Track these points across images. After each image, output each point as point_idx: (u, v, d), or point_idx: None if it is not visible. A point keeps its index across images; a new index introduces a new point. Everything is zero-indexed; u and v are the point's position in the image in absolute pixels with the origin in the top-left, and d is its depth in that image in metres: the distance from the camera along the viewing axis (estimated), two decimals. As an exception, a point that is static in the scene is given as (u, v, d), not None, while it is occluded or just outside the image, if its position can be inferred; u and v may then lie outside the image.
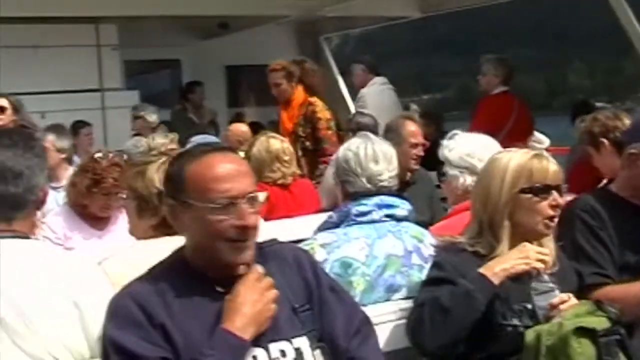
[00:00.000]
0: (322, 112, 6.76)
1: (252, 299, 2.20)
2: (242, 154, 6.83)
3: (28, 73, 8.71)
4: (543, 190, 2.72)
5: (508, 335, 2.62)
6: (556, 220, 2.76)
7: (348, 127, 6.68)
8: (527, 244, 2.69)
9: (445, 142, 3.60)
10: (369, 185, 3.12)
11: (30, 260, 2.42)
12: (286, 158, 5.33)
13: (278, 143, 5.41)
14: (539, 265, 2.65)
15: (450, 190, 3.57)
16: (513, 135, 7.00)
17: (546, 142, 8.97)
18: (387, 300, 3.02)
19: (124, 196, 3.00)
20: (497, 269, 2.64)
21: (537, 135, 8.86)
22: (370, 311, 2.86)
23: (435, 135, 8.67)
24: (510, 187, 2.73)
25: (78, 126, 8.42)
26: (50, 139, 5.66)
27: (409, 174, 5.02)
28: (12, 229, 2.43)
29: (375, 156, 3.15)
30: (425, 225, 3.37)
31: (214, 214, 2.18)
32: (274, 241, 2.45)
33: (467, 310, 2.60)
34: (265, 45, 11.63)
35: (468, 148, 3.49)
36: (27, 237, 2.48)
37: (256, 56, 11.82)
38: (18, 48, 8.85)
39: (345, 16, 11.07)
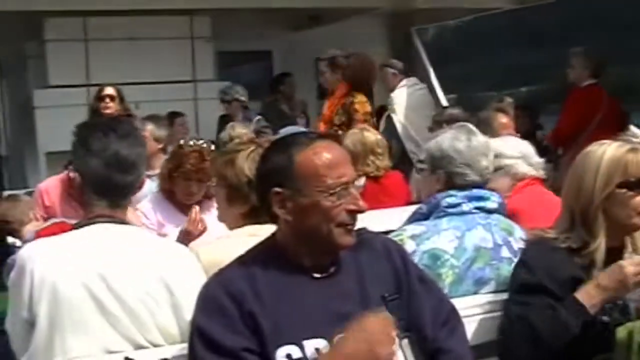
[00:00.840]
0: (361, 104, 6.89)
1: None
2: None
3: (123, 64, 8.91)
4: (638, 184, 2.63)
5: (598, 332, 2.54)
6: None
7: (440, 120, 6.62)
8: (623, 265, 2.56)
9: None
10: (478, 178, 3.09)
11: (127, 246, 2.51)
12: (380, 151, 5.33)
13: (372, 136, 5.41)
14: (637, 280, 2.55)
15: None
16: (603, 128, 6.87)
17: (641, 135, 8.75)
18: (475, 293, 2.98)
19: (213, 184, 3.03)
20: (595, 300, 2.56)
21: (633, 129, 8.63)
22: (458, 304, 2.83)
23: (529, 127, 8.56)
24: (605, 182, 2.65)
25: (173, 116, 8.57)
26: (149, 128, 5.78)
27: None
28: (115, 214, 2.52)
29: (484, 149, 3.14)
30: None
31: (329, 199, 2.22)
32: (363, 230, 2.44)
33: (559, 337, 2.56)
34: (356, 37, 11.60)
35: None
36: (126, 223, 2.56)
37: (347, 48, 11.84)
38: (114, 40, 9.05)
39: (437, 8, 10.98)
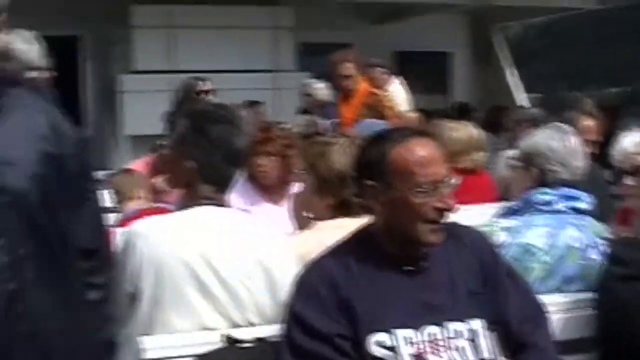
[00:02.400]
0: (389, 101, 6.65)
1: None
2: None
3: (206, 52, 9.06)
4: None
5: None
6: None
7: (518, 119, 6.61)
8: None
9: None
10: (570, 177, 3.13)
11: (229, 228, 2.59)
12: (482, 146, 5.34)
13: (475, 131, 5.42)
14: None
15: None
16: None
17: None
18: (561, 290, 3.00)
19: (301, 172, 3.09)
20: None
21: None
22: (547, 300, 2.87)
23: (610, 130, 8.45)
24: None
25: (251, 105, 8.69)
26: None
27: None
28: (218, 198, 2.62)
29: (578, 149, 3.18)
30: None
31: (418, 196, 2.27)
32: (454, 224, 2.49)
33: None
34: (437, 32, 11.62)
35: None
36: (228, 207, 2.66)
37: (427, 43, 11.84)
38: (198, 28, 9.21)
39: (519, 6, 10.91)
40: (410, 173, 2.28)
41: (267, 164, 4.19)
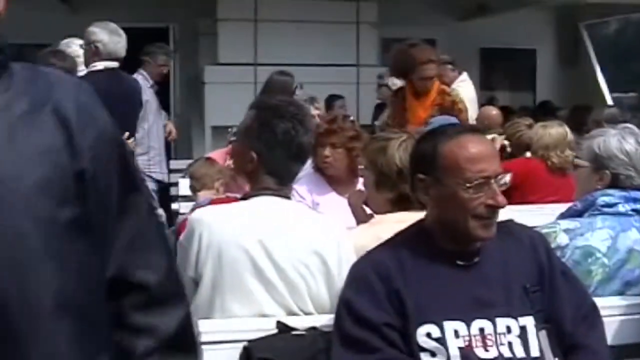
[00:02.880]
0: (461, 101, 6.48)
1: None
2: (494, 136, 6.87)
3: (292, 45, 9.17)
4: None
5: None
6: None
7: (599, 119, 6.55)
8: None
9: None
10: None
11: (288, 218, 2.67)
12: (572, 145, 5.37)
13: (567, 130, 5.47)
14: None
15: None
16: None
17: None
18: (622, 293, 2.98)
19: (362, 167, 3.16)
20: None
21: None
22: (604, 302, 2.86)
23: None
24: None
25: (332, 99, 8.77)
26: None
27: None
28: (281, 189, 2.71)
29: None
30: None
31: (467, 192, 2.30)
32: (510, 222, 2.51)
33: None
34: (522, 29, 11.49)
35: None
36: (289, 198, 2.74)
37: (513, 40, 11.73)
38: (284, 22, 9.34)
39: (607, 3, 10.70)
40: (459, 168, 2.31)
41: (332, 156, 4.26)
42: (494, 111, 7.68)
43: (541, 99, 11.46)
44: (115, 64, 5.59)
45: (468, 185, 2.30)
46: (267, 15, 9.34)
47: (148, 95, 7.26)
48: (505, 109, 9.25)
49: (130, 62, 6.23)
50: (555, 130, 5.39)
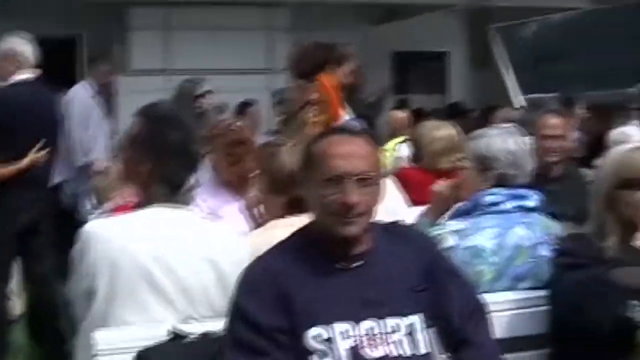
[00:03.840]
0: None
1: None
2: (402, 139, 6.97)
3: (201, 52, 9.17)
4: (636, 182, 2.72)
5: (621, 330, 2.61)
6: None
7: (506, 120, 6.69)
8: None
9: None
10: (526, 180, 3.22)
11: (181, 227, 2.70)
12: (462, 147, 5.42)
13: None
14: None
15: None
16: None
17: None
18: (512, 289, 3.08)
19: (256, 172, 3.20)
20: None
21: None
22: (495, 298, 2.96)
23: (602, 131, 8.48)
24: (607, 183, 2.77)
25: (245, 106, 8.78)
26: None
27: (556, 168, 4.97)
28: (172, 199, 2.72)
29: (530, 151, 3.29)
30: (568, 219, 3.38)
31: (323, 188, 2.37)
32: (397, 222, 2.58)
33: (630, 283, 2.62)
34: (434, 33, 11.68)
35: None
36: (181, 207, 2.75)
37: (424, 43, 11.91)
38: (193, 29, 9.33)
39: (517, 6, 10.95)
40: (321, 165, 2.38)
41: (213, 161, 4.27)
42: (401, 114, 7.78)
43: (453, 101, 11.66)
44: (32, 75, 5.55)
45: (323, 180, 2.36)
46: (178, 23, 9.31)
47: (88, 105, 7.20)
48: (417, 111, 9.41)
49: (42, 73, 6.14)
50: (444, 133, 5.41)
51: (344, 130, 2.57)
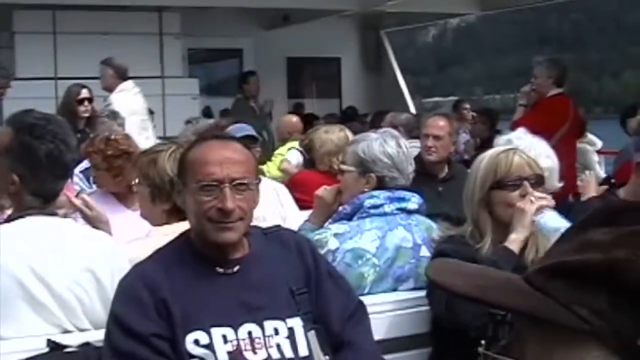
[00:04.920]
0: None
1: None
2: (295, 143, 7.01)
3: (93, 58, 9.00)
4: (511, 182, 2.80)
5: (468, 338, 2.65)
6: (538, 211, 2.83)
7: (395, 124, 6.79)
8: (522, 207, 2.76)
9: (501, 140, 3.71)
10: (406, 182, 3.27)
11: (57, 238, 2.63)
12: None
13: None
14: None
15: None
16: (567, 137, 6.95)
17: (599, 143, 8.95)
18: (395, 290, 3.13)
19: (136, 181, 3.16)
20: (511, 238, 2.77)
21: (590, 136, 8.83)
22: (377, 299, 3.01)
23: (488, 133, 8.72)
24: (481, 184, 2.85)
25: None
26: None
27: (446, 169, 5.09)
28: (46, 207, 2.64)
29: (410, 155, 3.33)
30: (455, 220, 3.44)
31: (199, 194, 2.36)
32: (277, 227, 2.60)
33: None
34: (327, 37, 11.79)
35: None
36: (56, 215, 2.69)
37: (318, 48, 12.02)
38: (84, 34, 9.17)
39: (408, 12, 11.16)
40: (197, 172, 2.38)
41: (96, 175, 4.22)
42: (293, 119, 7.83)
43: (346, 105, 11.80)
44: None
45: (199, 187, 2.36)
46: (66, 28, 9.15)
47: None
48: (309, 116, 9.47)
49: None
50: (337, 136, 5.49)
51: (219, 136, 2.57)
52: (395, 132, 3.37)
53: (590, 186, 4.11)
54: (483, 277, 1.07)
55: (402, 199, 3.20)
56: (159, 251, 2.48)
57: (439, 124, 5.16)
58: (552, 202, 2.84)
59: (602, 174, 7.81)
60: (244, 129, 5.22)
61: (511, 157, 2.85)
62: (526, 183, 2.82)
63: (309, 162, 5.91)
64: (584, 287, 0.95)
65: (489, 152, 2.90)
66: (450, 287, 1.06)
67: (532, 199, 2.76)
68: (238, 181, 2.37)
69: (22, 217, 2.61)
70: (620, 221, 0.97)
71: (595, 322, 0.94)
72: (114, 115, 7.19)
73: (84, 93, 7.15)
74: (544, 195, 2.85)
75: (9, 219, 2.67)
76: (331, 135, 5.55)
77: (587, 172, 4.52)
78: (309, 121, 8.65)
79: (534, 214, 2.76)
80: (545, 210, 2.78)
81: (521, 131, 4.73)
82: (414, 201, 3.22)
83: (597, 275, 0.94)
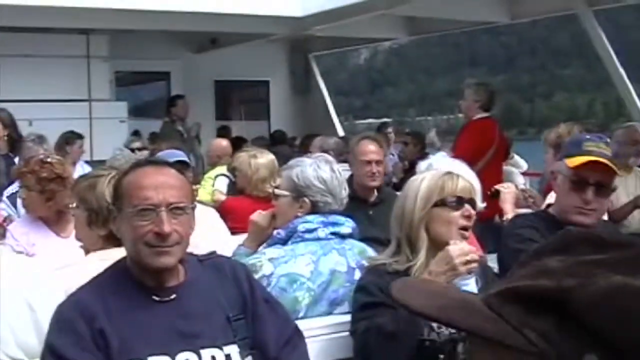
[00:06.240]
0: None
1: None
2: (224, 168, 7.01)
3: (19, 81, 8.90)
4: (455, 202, 2.85)
5: (426, 352, 2.70)
6: (469, 230, 2.89)
7: (324, 148, 6.86)
8: (449, 248, 2.74)
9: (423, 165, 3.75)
10: (339, 207, 3.30)
11: None
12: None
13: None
14: (468, 268, 2.73)
15: None
16: (494, 160, 7.09)
17: (524, 165, 9.16)
18: (330, 313, 3.16)
19: (73, 206, 3.14)
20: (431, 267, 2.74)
21: (516, 158, 9.03)
22: (312, 323, 3.03)
23: (419, 155, 8.85)
24: (424, 202, 2.84)
25: (70, 138, 8.55)
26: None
27: (375, 193, 5.13)
28: None
29: (343, 180, 3.36)
30: (386, 243, 3.47)
31: (135, 219, 2.36)
32: (212, 254, 2.61)
33: (413, 331, 2.66)
34: (255, 61, 11.84)
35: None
36: None
37: (245, 71, 12.05)
38: (10, 57, 9.03)
39: (333, 36, 11.27)
40: (131, 196, 2.37)
41: (26, 198, 4.17)
42: (223, 143, 7.84)
43: (275, 128, 11.84)
44: None
45: (136, 212, 2.35)
46: (-3, 50, 9.00)
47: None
48: (239, 139, 9.48)
49: None
50: (266, 159, 5.52)
51: (153, 161, 2.58)
52: (329, 157, 3.40)
53: (506, 200, 4.11)
54: (444, 296, 1.12)
55: (336, 224, 3.23)
56: (95, 279, 2.46)
57: (372, 149, 5.19)
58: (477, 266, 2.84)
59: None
60: (176, 154, 5.22)
61: (456, 181, 2.89)
62: (468, 206, 2.87)
63: (236, 186, 5.90)
64: (535, 311, 1.00)
65: (429, 174, 2.93)
66: (412, 306, 1.10)
67: (466, 248, 2.78)
68: (174, 205, 2.38)
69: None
70: (573, 250, 1.03)
71: (542, 344, 0.99)
72: (40, 139, 7.11)
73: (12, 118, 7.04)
74: (479, 253, 2.87)
75: None
76: (260, 159, 5.59)
77: (506, 183, 4.53)
78: (238, 144, 8.64)
79: (460, 275, 2.73)
80: (470, 276, 2.80)
81: (441, 154, 4.81)
82: (347, 225, 3.26)
83: (548, 301, 1.00)
